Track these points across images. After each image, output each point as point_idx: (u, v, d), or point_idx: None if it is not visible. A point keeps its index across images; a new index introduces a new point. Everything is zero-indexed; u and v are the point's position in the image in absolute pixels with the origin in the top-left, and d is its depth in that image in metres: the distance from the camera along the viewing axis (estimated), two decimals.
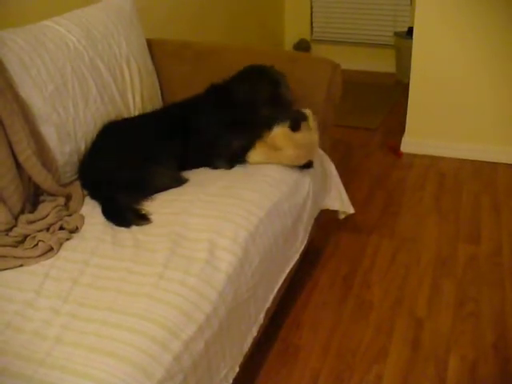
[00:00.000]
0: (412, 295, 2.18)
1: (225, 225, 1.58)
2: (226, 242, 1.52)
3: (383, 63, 4.82)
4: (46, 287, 1.37)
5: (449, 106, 3.20)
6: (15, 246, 1.54)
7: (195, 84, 2.09)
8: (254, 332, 1.63)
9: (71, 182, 1.88)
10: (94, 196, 1.80)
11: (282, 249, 1.78)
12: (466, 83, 3.11)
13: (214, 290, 1.39)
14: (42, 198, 1.74)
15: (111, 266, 1.43)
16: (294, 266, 1.94)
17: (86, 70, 1.92)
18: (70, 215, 1.68)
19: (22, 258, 1.48)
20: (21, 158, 1.64)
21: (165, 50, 2.37)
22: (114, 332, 1.21)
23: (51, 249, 1.51)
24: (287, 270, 1.86)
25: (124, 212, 1.66)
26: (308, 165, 1.97)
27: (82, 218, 1.68)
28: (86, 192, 1.83)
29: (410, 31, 3.61)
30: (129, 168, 1.83)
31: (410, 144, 3.37)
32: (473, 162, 3.21)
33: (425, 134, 3.33)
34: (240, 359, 1.54)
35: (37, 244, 1.53)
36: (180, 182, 1.84)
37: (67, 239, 1.57)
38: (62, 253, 1.51)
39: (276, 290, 1.77)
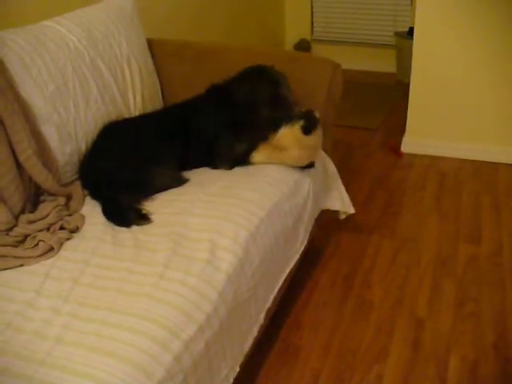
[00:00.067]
0: (412, 295, 2.18)
1: (225, 225, 1.58)
2: (226, 242, 1.52)
3: (384, 63, 4.82)
4: (47, 287, 1.37)
5: (449, 106, 3.20)
6: (16, 246, 1.54)
7: (195, 84, 2.09)
8: (255, 332, 1.63)
9: (72, 182, 1.88)
10: (94, 196, 1.80)
11: (282, 249, 1.78)
12: (466, 83, 3.11)
13: (215, 290, 1.39)
14: (42, 197, 1.74)
15: (111, 265, 1.43)
16: (295, 265, 1.94)
17: (86, 70, 1.92)
18: (70, 215, 1.68)
19: (23, 257, 1.48)
20: (21, 158, 1.64)
21: (165, 50, 2.37)
22: (114, 332, 1.21)
23: (52, 248, 1.51)
24: (288, 270, 1.86)
25: (125, 212, 1.66)
26: (309, 165, 1.97)
27: (83, 217, 1.68)
28: (86, 192, 1.83)
29: (411, 31, 3.61)
30: (129, 168, 1.83)
31: (410, 144, 3.37)
32: (473, 162, 3.21)
33: (425, 134, 3.33)
34: (240, 359, 1.54)
35: (37, 244, 1.53)
36: (180, 182, 1.84)
37: (68, 239, 1.57)
38: (63, 253, 1.51)
39: (276, 290, 1.77)
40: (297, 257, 1.93)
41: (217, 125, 1.95)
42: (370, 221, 2.69)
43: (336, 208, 2.28)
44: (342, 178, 2.27)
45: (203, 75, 2.22)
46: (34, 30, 1.81)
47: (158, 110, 2.20)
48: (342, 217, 2.35)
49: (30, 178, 1.70)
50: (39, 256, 1.48)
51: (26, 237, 1.57)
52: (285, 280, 1.84)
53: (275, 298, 1.77)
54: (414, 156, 3.33)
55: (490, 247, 2.45)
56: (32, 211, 1.68)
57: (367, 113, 4.01)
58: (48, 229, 1.60)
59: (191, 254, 1.46)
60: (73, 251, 1.52)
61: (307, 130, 1.83)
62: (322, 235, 2.52)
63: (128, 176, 1.81)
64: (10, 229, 1.59)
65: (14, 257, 1.48)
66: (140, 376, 1.13)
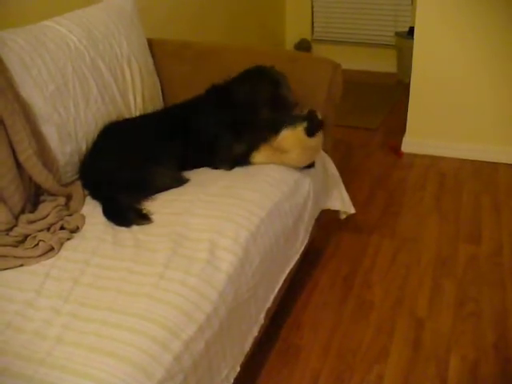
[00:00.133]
0: (412, 295, 2.18)
1: (226, 225, 1.58)
2: (226, 242, 1.52)
3: (384, 63, 4.82)
4: (47, 287, 1.37)
5: (449, 106, 3.20)
6: (16, 246, 1.54)
7: (196, 84, 2.09)
8: (255, 332, 1.63)
9: (72, 182, 1.88)
10: (94, 196, 1.80)
11: (282, 249, 1.78)
12: (466, 83, 3.11)
13: (215, 290, 1.39)
14: (42, 197, 1.74)
15: (112, 265, 1.43)
16: (295, 266, 1.94)
17: (86, 70, 1.92)
18: (70, 215, 1.68)
19: (23, 257, 1.48)
20: (21, 158, 1.64)
21: (165, 50, 2.37)
22: (114, 332, 1.21)
23: (52, 248, 1.51)
24: (288, 270, 1.86)
25: (125, 212, 1.66)
26: (309, 165, 1.97)
27: (83, 217, 1.68)
28: (86, 192, 1.83)
29: (411, 31, 3.61)
30: (130, 168, 1.83)
31: (410, 144, 3.37)
32: (473, 161, 3.21)
33: (425, 134, 3.33)
34: (241, 359, 1.54)
35: (37, 244, 1.53)
36: (181, 182, 1.84)
37: (68, 239, 1.57)
38: (63, 252, 1.51)
39: (277, 290, 1.77)
40: (297, 257, 1.93)
41: (217, 125, 1.95)
42: (370, 221, 2.69)
43: (336, 208, 2.28)
44: (342, 177, 2.27)
45: (203, 75, 2.22)
46: (34, 30, 1.81)
47: (158, 110, 2.21)
48: (343, 217, 2.35)
49: (30, 178, 1.70)
50: (39, 256, 1.48)
51: (26, 237, 1.57)
52: (285, 280, 1.84)
53: (275, 298, 1.77)
54: (415, 156, 3.33)
55: (490, 247, 2.45)
56: (32, 211, 1.68)
57: (367, 113, 4.01)
58: (48, 229, 1.60)
59: (191, 254, 1.46)
60: (73, 251, 1.52)
61: (311, 132, 1.83)
62: (323, 235, 2.52)
63: (128, 176, 1.81)
64: (10, 229, 1.59)
65: (14, 257, 1.48)
66: (140, 376, 1.13)
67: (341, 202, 2.27)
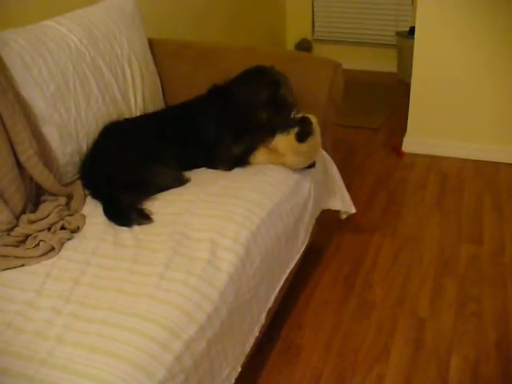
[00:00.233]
0: (414, 295, 2.18)
1: (226, 224, 1.58)
2: (227, 242, 1.52)
3: (385, 63, 4.82)
4: (48, 287, 1.37)
5: (450, 106, 3.19)
6: (16, 246, 1.54)
7: (196, 84, 2.09)
8: (256, 332, 1.63)
9: (72, 182, 1.88)
10: (95, 196, 1.80)
11: (283, 248, 1.78)
12: (467, 83, 3.11)
13: (216, 290, 1.39)
14: (43, 197, 1.74)
15: (112, 265, 1.43)
16: (296, 265, 1.93)
17: (87, 69, 1.92)
18: (71, 215, 1.68)
19: (24, 257, 1.48)
20: (22, 158, 1.64)
21: (166, 50, 2.37)
22: (115, 332, 1.21)
23: (52, 248, 1.51)
24: (289, 270, 1.86)
25: (126, 211, 1.66)
26: (310, 165, 1.96)
27: (84, 217, 1.68)
28: (87, 192, 1.83)
29: (412, 31, 3.60)
30: (130, 168, 1.83)
31: (411, 144, 3.36)
32: (474, 161, 3.21)
33: (427, 134, 3.33)
34: (242, 359, 1.54)
35: (38, 244, 1.53)
36: (182, 181, 1.84)
37: (68, 239, 1.57)
38: (64, 252, 1.51)
39: (278, 290, 1.77)
40: (298, 257, 1.93)
41: (217, 126, 1.95)
42: (372, 220, 2.69)
43: (337, 208, 2.28)
44: (343, 177, 2.26)
45: (204, 75, 2.22)
46: (35, 30, 1.81)
47: (158, 110, 2.21)
48: (344, 216, 2.35)
49: (31, 178, 1.70)
50: (40, 256, 1.48)
51: (27, 237, 1.57)
52: (286, 280, 1.84)
53: (276, 298, 1.77)
54: (416, 156, 3.33)
55: (491, 247, 2.44)
56: (33, 211, 1.68)
57: (368, 112, 4.01)
58: (49, 229, 1.60)
59: (192, 254, 1.46)
60: (74, 251, 1.52)
61: (301, 138, 1.83)
62: (324, 235, 2.52)
63: (129, 176, 1.81)
64: (11, 229, 1.59)
65: (15, 257, 1.48)
66: (141, 376, 1.13)
67: (342, 201, 2.27)
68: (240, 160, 1.91)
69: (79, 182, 1.87)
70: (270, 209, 1.72)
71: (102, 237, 1.57)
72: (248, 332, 1.58)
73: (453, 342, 1.95)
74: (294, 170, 1.92)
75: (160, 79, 2.32)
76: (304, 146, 1.85)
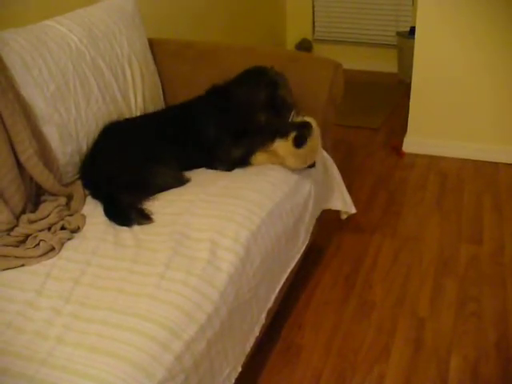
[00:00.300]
0: (414, 295, 2.18)
1: (226, 224, 1.58)
2: (227, 242, 1.52)
3: (385, 63, 4.82)
4: (48, 287, 1.37)
5: (450, 106, 3.19)
6: (17, 246, 1.54)
7: (196, 84, 2.09)
8: (256, 332, 1.63)
9: (73, 182, 1.88)
10: (95, 196, 1.80)
11: (283, 248, 1.78)
12: (467, 83, 3.11)
13: (216, 290, 1.39)
14: (43, 197, 1.74)
15: (113, 265, 1.43)
16: (296, 265, 1.93)
17: (87, 69, 1.92)
18: (71, 215, 1.68)
19: (24, 257, 1.48)
20: (22, 158, 1.64)
21: (166, 50, 2.37)
22: (115, 332, 1.21)
23: (53, 248, 1.51)
24: (289, 270, 1.86)
25: (126, 211, 1.66)
26: (310, 165, 1.96)
27: (84, 217, 1.68)
28: (87, 192, 1.83)
29: (412, 31, 3.60)
30: (130, 168, 1.83)
31: (412, 144, 3.36)
32: (474, 161, 3.21)
33: (427, 134, 3.33)
34: (242, 359, 1.54)
35: (38, 244, 1.53)
36: (182, 181, 1.84)
37: (69, 239, 1.57)
38: (64, 252, 1.51)
39: (278, 290, 1.77)
40: (298, 257, 1.93)
41: (217, 126, 1.95)
42: (372, 220, 2.69)
43: (337, 208, 2.28)
44: (343, 177, 2.26)
45: (204, 75, 2.22)
46: (35, 30, 1.81)
47: (158, 111, 2.21)
48: (344, 216, 2.35)
49: (31, 178, 1.70)
50: (40, 256, 1.48)
51: (27, 237, 1.57)
52: (286, 280, 1.84)
53: (277, 298, 1.77)
54: (416, 156, 3.33)
55: (491, 247, 2.44)
56: (33, 211, 1.68)
57: (369, 113, 4.01)
58: (49, 229, 1.60)
59: (192, 254, 1.46)
60: (74, 251, 1.52)
61: (299, 143, 1.83)
62: (324, 235, 2.52)
63: (129, 175, 1.81)
64: (11, 229, 1.59)
65: (15, 257, 1.48)
66: (141, 376, 1.12)
67: (342, 201, 2.27)
68: (239, 162, 1.91)
69: (79, 182, 1.86)
70: (270, 209, 1.72)
71: (103, 237, 1.56)
72: (248, 332, 1.58)
73: (453, 341, 1.95)
74: (294, 170, 1.93)
75: (160, 79, 2.32)
76: (302, 150, 1.85)
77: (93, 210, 1.72)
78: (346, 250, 2.49)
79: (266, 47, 3.78)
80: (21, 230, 1.58)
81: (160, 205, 1.71)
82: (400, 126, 3.54)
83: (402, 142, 3.40)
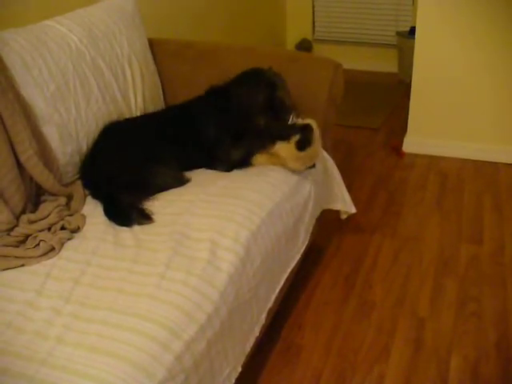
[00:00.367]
0: (414, 295, 2.18)
1: (226, 224, 1.58)
2: (227, 242, 1.52)
3: (385, 63, 4.82)
4: (48, 287, 1.37)
5: (451, 106, 3.19)
6: (17, 246, 1.54)
7: (196, 84, 2.09)
8: (257, 332, 1.63)
9: (73, 182, 1.88)
10: (95, 196, 1.80)
11: (283, 248, 1.78)
12: (467, 83, 3.11)
13: (216, 290, 1.39)
14: (43, 197, 1.74)
15: (113, 265, 1.43)
16: (296, 265, 1.93)
17: (87, 69, 1.92)
18: (71, 215, 1.68)
19: (24, 257, 1.48)
20: (22, 158, 1.64)
21: (167, 50, 2.37)
22: (115, 332, 1.21)
23: (53, 248, 1.51)
24: (289, 270, 1.86)
25: (127, 211, 1.66)
26: (310, 165, 1.96)
27: (84, 217, 1.68)
28: (87, 192, 1.83)
29: (413, 31, 3.60)
30: (130, 168, 1.83)
31: (412, 144, 3.36)
32: (474, 161, 3.21)
33: (427, 134, 3.33)
34: (242, 359, 1.54)
35: (38, 244, 1.53)
36: (182, 181, 1.84)
37: (69, 239, 1.57)
38: (64, 253, 1.51)
39: (278, 290, 1.77)
40: (298, 257, 1.93)
41: (216, 126, 1.94)
42: (372, 220, 2.69)
43: (337, 208, 2.28)
44: (343, 177, 2.26)
45: (204, 75, 2.22)
46: (35, 30, 1.81)
47: (158, 111, 2.21)
48: (344, 216, 2.35)
49: (31, 178, 1.70)
50: (40, 256, 1.48)
51: (27, 237, 1.57)
52: (286, 280, 1.84)
53: (277, 298, 1.77)
54: (416, 156, 3.33)
55: (491, 247, 2.44)
56: (33, 211, 1.68)
57: (369, 112, 4.01)
58: (49, 229, 1.60)
59: (192, 254, 1.46)
60: (74, 251, 1.52)
61: (301, 147, 1.84)
62: (324, 235, 2.52)
63: (129, 176, 1.80)
64: (11, 229, 1.59)
65: (15, 257, 1.48)
66: (141, 376, 1.12)
67: (342, 201, 2.27)
68: (239, 164, 1.91)
69: (79, 182, 1.86)
70: (270, 209, 1.72)
71: (103, 237, 1.56)
72: (248, 332, 1.58)
73: (453, 341, 1.95)
74: (295, 171, 1.93)
75: (160, 79, 2.32)
76: (304, 153, 1.85)
77: (93, 210, 1.72)
78: (345, 250, 2.49)
79: (266, 47, 3.78)
80: (21, 230, 1.58)
81: (160, 205, 1.71)
82: (400, 126, 3.54)
83: (402, 142, 3.40)
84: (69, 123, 1.83)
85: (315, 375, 1.85)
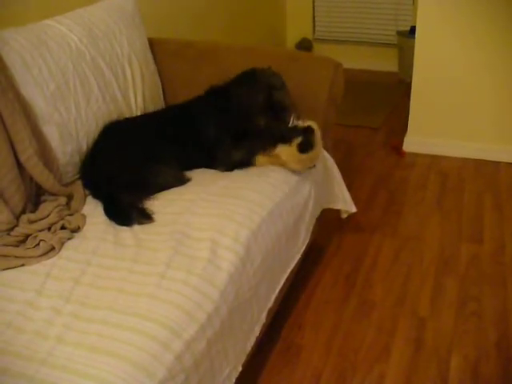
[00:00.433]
0: (414, 294, 2.18)
1: (227, 224, 1.58)
2: (228, 241, 1.52)
3: (385, 62, 4.82)
4: (48, 287, 1.37)
5: (451, 105, 3.19)
6: (17, 246, 1.54)
7: (197, 83, 2.09)
8: (257, 331, 1.63)
9: (73, 182, 1.88)
10: (96, 195, 1.80)
11: (283, 248, 1.78)
12: (468, 82, 3.11)
13: (216, 289, 1.39)
14: (43, 197, 1.74)
15: (113, 265, 1.43)
16: (296, 265, 1.93)
17: (87, 69, 1.92)
18: (71, 215, 1.68)
19: (24, 257, 1.48)
20: (22, 158, 1.64)
21: (167, 49, 2.37)
22: (115, 332, 1.21)
23: (53, 248, 1.51)
24: (289, 270, 1.86)
25: (127, 210, 1.66)
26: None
27: (84, 217, 1.68)
28: (87, 191, 1.83)
29: (413, 30, 3.60)
30: (131, 167, 1.83)
31: (412, 143, 3.36)
32: (475, 160, 3.21)
33: (427, 133, 3.33)
34: (243, 358, 1.54)
35: (38, 243, 1.53)
36: (182, 181, 1.84)
37: (69, 239, 1.57)
38: (64, 252, 1.51)
39: (278, 290, 1.77)
40: (298, 256, 1.93)
41: (216, 126, 1.94)
42: (372, 220, 2.69)
43: (338, 207, 2.28)
44: (343, 177, 2.26)
45: (204, 75, 2.22)
46: (35, 29, 1.81)
47: (159, 110, 2.21)
48: (344, 216, 2.35)
49: (31, 178, 1.70)
50: (40, 256, 1.48)
51: (27, 237, 1.57)
52: (286, 279, 1.84)
53: (277, 298, 1.77)
54: (416, 155, 3.32)
55: (492, 246, 2.44)
56: (33, 211, 1.68)
57: (369, 112, 4.01)
58: (49, 228, 1.60)
59: (193, 253, 1.46)
60: (74, 251, 1.52)
61: (304, 149, 1.84)
62: (324, 234, 2.52)
63: (129, 175, 1.80)
64: (12, 229, 1.59)
65: (15, 256, 1.48)
66: (141, 376, 1.12)
67: (342, 201, 2.27)
68: (239, 165, 1.91)
69: (79, 182, 1.86)
70: (271, 208, 1.71)
71: (103, 236, 1.56)
72: (248, 331, 1.58)
73: (453, 341, 1.95)
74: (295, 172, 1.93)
75: (160, 79, 2.32)
76: (306, 156, 1.85)
77: (93, 210, 1.72)
78: (346, 249, 2.49)
79: (266, 47, 3.78)
80: (21, 229, 1.58)
81: (160, 204, 1.70)
82: (400, 126, 3.54)
83: (402, 141, 3.40)
84: (69, 123, 1.83)
85: (315, 375, 1.85)
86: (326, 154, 2.18)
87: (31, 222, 1.61)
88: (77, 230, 1.62)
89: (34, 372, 1.12)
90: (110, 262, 1.45)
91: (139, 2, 2.26)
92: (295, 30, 5.06)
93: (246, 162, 1.91)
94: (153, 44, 2.31)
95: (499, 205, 2.75)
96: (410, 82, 3.27)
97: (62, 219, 1.63)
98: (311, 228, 2.03)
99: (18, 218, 1.62)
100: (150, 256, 1.45)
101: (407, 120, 3.36)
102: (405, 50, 4.39)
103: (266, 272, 1.64)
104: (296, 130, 1.88)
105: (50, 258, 1.49)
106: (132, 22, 2.16)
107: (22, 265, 1.46)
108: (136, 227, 1.60)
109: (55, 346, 1.18)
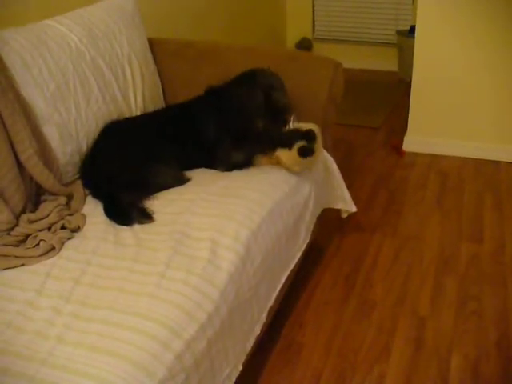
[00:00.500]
0: (414, 294, 2.18)
1: (227, 223, 1.58)
2: (227, 241, 1.52)
3: (385, 62, 4.82)
4: (48, 287, 1.37)
5: (451, 105, 3.19)
6: (17, 246, 1.54)
7: (197, 83, 2.08)
8: (257, 331, 1.63)
9: (73, 182, 1.88)
10: (95, 195, 1.80)
11: (284, 247, 1.78)
12: (468, 81, 3.11)
13: (216, 289, 1.39)
14: (43, 197, 1.74)
15: (113, 265, 1.43)
16: (297, 264, 1.93)
17: (87, 69, 1.92)
18: (71, 214, 1.68)
19: (24, 257, 1.48)
20: (22, 158, 1.64)
21: (167, 49, 2.37)
22: (115, 331, 1.21)
23: (53, 248, 1.51)
24: (289, 269, 1.86)
25: (127, 210, 1.66)
26: None
27: (84, 217, 1.68)
28: (87, 191, 1.83)
29: (413, 30, 3.60)
30: (131, 167, 1.83)
31: (412, 143, 3.36)
32: (475, 160, 3.21)
33: (427, 133, 3.33)
34: (243, 358, 1.54)
35: (38, 243, 1.53)
36: (182, 181, 1.84)
37: (69, 238, 1.57)
38: (64, 252, 1.51)
39: (278, 289, 1.77)
40: (298, 255, 1.93)
41: (216, 126, 1.94)
42: (372, 219, 2.69)
43: (338, 207, 2.28)
44: (343, 176, 2.26)
45: (204, 75, 2.22)
46: (35, 29, 1.81)
47: (158, 110, 2.21)
48: (344, 215, 2.35)
49: (31, 178, 1.70)
50: (40, 256, 1.48)
51: (27, 236, 1.57)
52: (287, 278, 1.84)
53: (277, 297, 1.77)
54: (416, 155, 3.32)
55: (492, 246, 2.44)
56: (33, 211, 1.68)
57: (369, 111, 4.01)
58: (49, 228, 1.60)
59: (193, 253, 1.46)
60: (74, 251, 1.52)
61: (305, 154, 1.84)
62: (324, 234, 2.52)
63: (129, 175, 1.80)
64: (12, 228, 1.59)
65: (16, 256, 1.48)
66: (141, 375, 1.13)
67: (342, 200, 2.27)
68: (239, 166, 1.91)
69: (79, 182, 1.86)
70: (271, 208, 1.72)
71: (103, 236, 1.56)
72: (249, 331, 1.58)
73: (453, 341, 1.95)
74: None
75: (160, 79, 2.32)
76: (306, 160, 1.86)
77: (93, 210, 1.72)
78: (346, 249, 2.49)
79: (266, 46, 3.78)
80: (21, 229, 1.58)
81: (160, 204, 1.70)
82: (400, 125, 3.54)
83: (402, 140, 3.40)
84: (69, 123, 1.83)
85: (315, 375, 1.85)
86: (326, 153, 2.18)
87: (31, 221, 1.61)
88: (77, 229, 1.62)
89: (35, 372, 1.12)
90: (110, 261, 1.45)
91: (139, 2, 2.26)
92: (295, 29, 5.05)
93: (245, 163, 1.91)
94: (153, 44, 2.31)
95: (499, 204, 2.75)
96: (410, 82, 3.27)
97: (62, 219, 1.64)
98: (311, 227, 2.03)
99: (18, 217, 1.62)
100: (150, 256, 1.45)
101: (407, 119, 3.36)
102: (405, 50, 4.39)
103: (266, 272, 1.64)
104: (297, 134, 1.88)
105: (50, 257, 1.49)
106: (132, 21, 2.16)
107: (22, 264, 1.46)
108: (136, 227, 1.60)
109: (55, 345, 1.18)
